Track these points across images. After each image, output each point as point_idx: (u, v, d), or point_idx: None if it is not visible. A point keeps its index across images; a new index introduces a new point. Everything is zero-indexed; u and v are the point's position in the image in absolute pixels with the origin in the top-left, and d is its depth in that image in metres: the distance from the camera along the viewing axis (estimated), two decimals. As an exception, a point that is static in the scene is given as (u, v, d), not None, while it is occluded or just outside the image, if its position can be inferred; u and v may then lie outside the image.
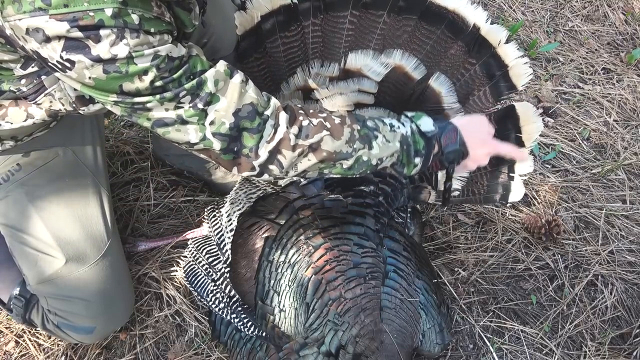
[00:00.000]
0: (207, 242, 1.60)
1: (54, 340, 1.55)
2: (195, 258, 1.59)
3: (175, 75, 1.00)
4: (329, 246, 1.33)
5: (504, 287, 1.74)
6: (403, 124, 1.21)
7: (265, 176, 1.14)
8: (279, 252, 1.35)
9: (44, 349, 1.54)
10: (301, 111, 1.15)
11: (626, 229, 1.92)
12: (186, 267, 1.59)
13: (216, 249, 1.55)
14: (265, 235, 1.38)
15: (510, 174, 1.52)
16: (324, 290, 1.29)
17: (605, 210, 1.94)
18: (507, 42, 1.42)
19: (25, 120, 1.20)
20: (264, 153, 1.10)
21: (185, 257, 1.64)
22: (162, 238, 1.73)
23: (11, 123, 1.20)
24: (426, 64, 1.48)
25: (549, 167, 2.04)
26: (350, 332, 1.27)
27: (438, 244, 1.81)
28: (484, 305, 1.70)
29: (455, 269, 1.75)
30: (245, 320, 1.42)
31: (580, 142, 2.14)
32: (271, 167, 1.12)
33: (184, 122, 1.05)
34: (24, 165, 1.35)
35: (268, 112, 1.10)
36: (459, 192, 1.57)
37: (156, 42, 0.96)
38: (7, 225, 1.36)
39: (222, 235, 1.53)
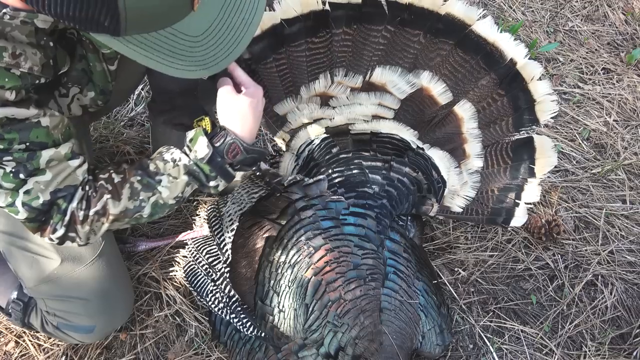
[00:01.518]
0: (207, 242, 1.60)
1: (53, 341, 1.55)
2: (195, 258, 1.59)
3: (7, 135, 0.98)
4: (330, 247, 1.33)
5: (504, 287, 1.74)
6: (185, 153, 1.19)
7: (68, 243, 1.17)
8: (280, 252, 1.35)
9: (44, 349, 1.54)
10: (90, 177, 1.16)
11: (626, 229, 1.92)
12: (186, 267, 1.59)
13: (216, 249, 1.55)
14: (266, 235, 1.38)
15: (517, 201, 1.53)
16: (324, 291, 1.29)
17: (605, 210, 1.94)
18: (539, 79, 1.42)
19: None
20: (60, 228, 1.13)
21: (185, 257, 1.65)
22: (162, 238, 1.73)
23: None
24: (454, 91, 1.47)
25: (549, 167, 2.04)
26: (350, 334, 1.27)
27: (438, 244, 1.81)
28: (484, 305, 1.70)
29: (455, 269, 1.75)
30: (244, 321, 1.42)
31: (580, 142, 2.14)
32: (71, 236, 1.15)
33: None
34: None
35: (77, 193, 1.12)
36: (462, 210, 1.56)
37: None
38: (0, 230, 1.36)
39: (223, 235, 1.53)
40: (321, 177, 1.40)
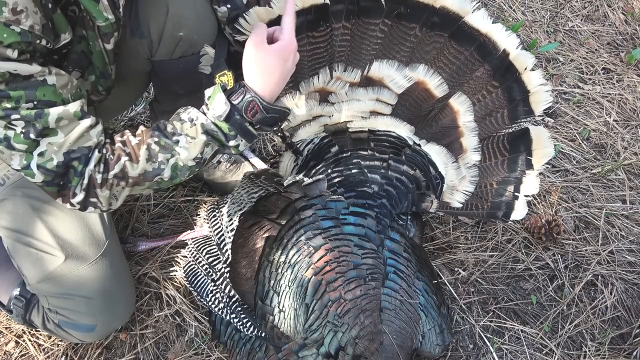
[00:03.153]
0: (207, 242, 1.60)
1: (54, 340, 1.55)
2: (195, 258, 1.59)
3: (12, 93, 0.97)
4: (330, 247, 1.33)
5: (504, 287, 1.74)
6: (202, 112, 1.16)
7: (91, 209, 1.15)
8: (280, 252, 1.35)
9: (44, 349, 1.54)
10: (107, 140, 1.14)
11: (626, 229, 1.92)
12: (186, 267, 1.60)
13: (216, 249, 1.55)
14: (266, 235, 1.38)
15: (516, 193, 1.52)
16: (324, 291, 1.29)
17: (605, 210, 1.94)
18: (532, 69, 1.42)
19: None
20: (80, 192, 1.11)
21: (185, 257, 1.65)
22: (162, 238, 1.73)
23: None
24: (449, 83, 1.48)
25: (549, 167, 2.04)
26: (350, 334, 1.27)
27: (438, 244, 1.81)
28: (484, 305, 1.70)
29: (455, 269, 1.75)
30: (244, 321, 1.42)
31: (580, 142, 2.14)
32: (92, 201, 1.13)
33: (10, 146, 1.02)
34: None
35: (94, 155, 1.10)
36: (461, 205, 1.56)
37: None
38: (6, 227, 1.36)
39: (223, 235, 1.53)
40: (320, 176, 1.40)
